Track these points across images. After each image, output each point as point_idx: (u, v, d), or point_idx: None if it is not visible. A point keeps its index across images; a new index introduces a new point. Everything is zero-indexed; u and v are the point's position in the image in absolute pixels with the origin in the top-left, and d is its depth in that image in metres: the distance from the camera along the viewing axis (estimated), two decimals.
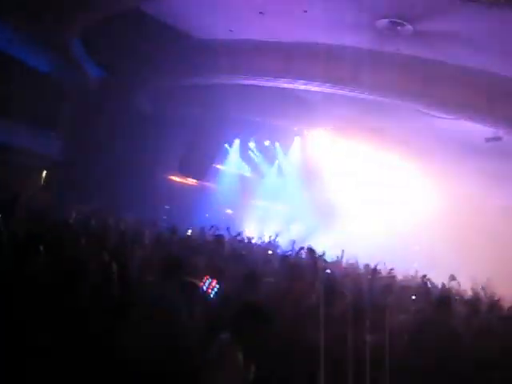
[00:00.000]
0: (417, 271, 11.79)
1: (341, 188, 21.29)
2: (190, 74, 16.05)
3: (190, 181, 20.76)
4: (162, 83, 17.54)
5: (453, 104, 13.25)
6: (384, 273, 11.23)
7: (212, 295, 5.38)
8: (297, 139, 21.88)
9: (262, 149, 22.72)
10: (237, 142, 22.32)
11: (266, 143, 22.34)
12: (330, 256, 12.19)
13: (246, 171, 23.36)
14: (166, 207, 19.64)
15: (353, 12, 11.16)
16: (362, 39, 12.33)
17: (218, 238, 8.43)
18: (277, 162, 23.08)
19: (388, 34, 11.65)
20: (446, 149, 16.75)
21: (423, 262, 13.56)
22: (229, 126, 19.51)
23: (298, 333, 5.58)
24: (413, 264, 13.33)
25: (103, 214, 11.74)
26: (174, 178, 20.79)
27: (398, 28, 11.32)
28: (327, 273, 8.67)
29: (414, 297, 8.74)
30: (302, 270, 7.67)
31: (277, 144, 22.37)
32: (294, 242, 12.78)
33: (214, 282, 5.35)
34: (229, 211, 22.38)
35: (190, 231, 13.52)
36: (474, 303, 8.45)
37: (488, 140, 14.61)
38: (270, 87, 15.66)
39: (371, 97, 14.19)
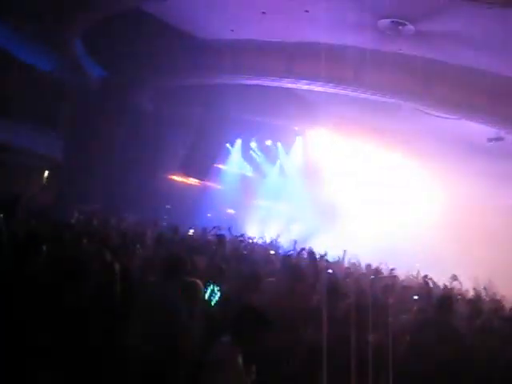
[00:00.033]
0: (419, 271, 11.77)
1: (342, 188, 21.27)
2: (191, 74, 16.05)
3: (192, 181, 20.76)
4: (164, 83, 17.54)
5: (454, 104, 13.24)
6: (385, 273, 11.22)
7: (213, 303, 5.37)
8: (298, 139, 21.87)
9: (263, 149, 22.71)
10: (238, 141, 22.31)
11: (268, 143, 22.33)
12: (332, 256, 12.19)
13: (248, 171, 23.34)
14: (168, 207, 19.63)
15: (354, 12, 11.15)
16: (363, 39, 12.32)
17: (220, 238, 8.43)
18: (278, 161, 23.08)
19: (390, 33, 11.65)
20: (447, 149, 16.74)
21: (425, 262, 13.51)
22: (230, 126, 19.50)
23: (299, 333, 5.58)
24: (415, 264, 13.29)
25: (105, 214, 11.75)
26: (175, 177, 20.79)
27: (400, 28, 11.31)
28: (329, 273, 8.66)
29: (415, 297, 8.74)
30: (304, 271, 7.67)
31: (278, 144, 22.37)
32: (295, 242, 12.78)
33: (216, 289, 5.33)
34: (230, 211, 22.37)
35: (191, 231, 13.52)
36: (475, 303, 8.45)
37: (490, 140, 14.60)
38: (272, 87, 15.66)
39: (373, 97, 14.19)
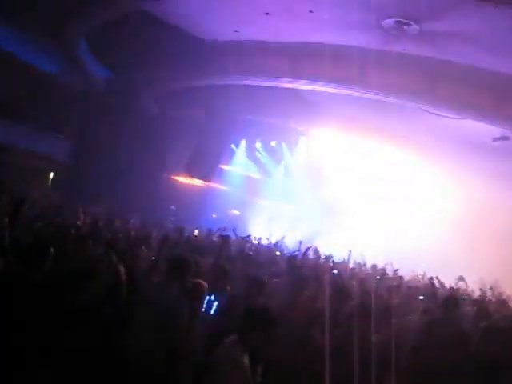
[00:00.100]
0: (425, 272, 11.75)
1: (347, 187, 21.28)
2: (196, 75, 16.07)
3: (197, 181, 20.79)
4: (168, 84, 17.57)
5: (459, 103, 13.20)
6: (391, 273, 11.20)
7: (212, 312, 5.37)
8: (303, 139, 21.87)
9: (268, 149, 22.72)
10: (243, 142, 22.33)
11: (273, 143, 22.34)
12: (337, 256, 12.18)
13: (253, 172, 23.36)
14: (173, 208, 19.67)
15: (359, 12, 11.12)
16: (368, 39, 12.29)
17: (224, 239, 8.41)
18: (283, 162, 23.08)
19: (394, 33, 11.61)
20: (455, 149, 16.72)
21: (432, 263, 13.49)
22: (235, 127, 19.53)
23: (305, 335, 5.58)
24: (421, 264, 13.27)
25: (110, 216, 11.77)
26: (180, 178, 20.82)
27: (405, 28, 11.28)
28: (334, 274, 8.65)
29: (421, 297, 8.72)
30: (309, 272, 7.67)
31: (283, 144, 22.37)
32: (300, 243, 12.77)
33: (213, 298, 5.34)
34: (235, 212, 22.39)
35: (196, 231, 13.53)
36: (481, 303, 8.42)
37: (495, 140, 14.55)
38: (276, 87, 15.66)
39: (377, 96, 14.17)
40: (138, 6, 12.47)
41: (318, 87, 14.86)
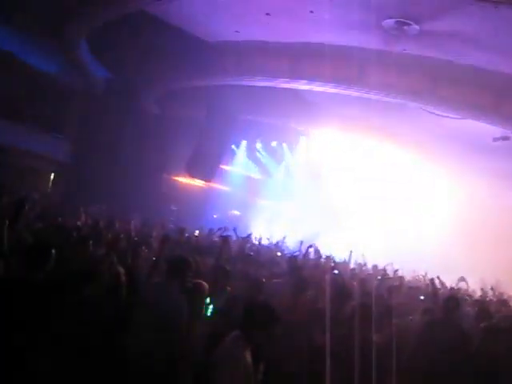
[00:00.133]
0: (426, 272, 11.75)
1: (348, 187, 21.28)
2: (196, 75, 16.08)
3: (197, 182, 20.79)
4: (169, 84, 17.58)
5: (460, 104, 13.21)
6: (391, 274, 11.19)
7: (208, 314, 5.37)
8: (303, 139, 21.87)
9: (268, 149, 22.73)
10: (244, 143, 22.35)
11: (273, 144, 22.35)
12: (338, 256, 12.16)
13: (253, 172, 23.37)
14: (173, 208, 19.67)
15: (359, 12, 11.11)
16: (368, 39, 12.29)
17: (224, 239, 8.41)
18: (284, 162, 23.09)
19: (394, 33, 11.61)
20: (456, 149, 16.72)
21: (433, 263, 13.49)
22: (235, 127, 19.53)
23: (306, 335, 5.58)
24: (422, 265, 13.26)
25: (111, 216, 11.77)
26: (181, 179, 20.83)
27: (405, 28, 11.28)
28: (335, 274, 8.64)
29: (422, 297, 8.72)
30: (310, 272, 7.67)
31: (284, 145, 22.37)
32: (301, 243, 12.75)
33: (209, 300, 5.34)
34: (236, 212, 22.39)
35: (197, 232, 13.53)
36: (482, 303, 8.42)
37: (496, 140, 14.54)
38: (276, 88, 15.66)
39: (378, 97, 14.16)
40: (138, 7, 12.47)
41: (319, 87, 14.86)
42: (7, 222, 5.00)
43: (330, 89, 14.64)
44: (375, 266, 12.40)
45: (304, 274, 7.11)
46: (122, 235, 8.04)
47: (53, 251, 4.26)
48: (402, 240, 18.48)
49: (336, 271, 9.03)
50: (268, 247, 13.28)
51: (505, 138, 14.34)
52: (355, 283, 7.42)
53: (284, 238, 14.46)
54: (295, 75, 14.58)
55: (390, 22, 11.24)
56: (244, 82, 15.85)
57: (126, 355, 4.77)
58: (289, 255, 10.70)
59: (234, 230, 12.51)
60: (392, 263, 12.19)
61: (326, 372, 4.06)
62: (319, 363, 4.12)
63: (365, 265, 12.47)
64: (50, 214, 10.28)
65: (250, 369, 3.75)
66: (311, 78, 14.44)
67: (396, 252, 15.02)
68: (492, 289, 11.19)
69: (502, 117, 12.97)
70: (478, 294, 11.08)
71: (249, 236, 11.25)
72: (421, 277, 12.10)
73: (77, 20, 13.19)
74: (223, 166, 21.32)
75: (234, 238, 12.01)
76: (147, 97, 18.28)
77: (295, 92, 16.33)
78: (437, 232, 19.18)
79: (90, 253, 6.99)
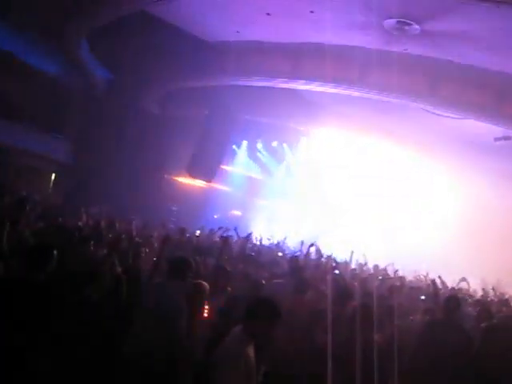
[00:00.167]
0: (428, 272, 11.74)
1: (348, 186, 21.27)
2: (197, 76, 16.08)
3: (198, 182, 20.78)
4: (170, 85, 17.58)
5: (461, 104, 13.20)
6: (391, 274, 11.18)
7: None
8: (303, 139, 21.85)
9: (269, 149, 22.72)
10: (244, 143, 22.34)
11: (274, 144, 22.34)
12: (339, 256, 12.14)
13: (254, 172, 23.36)
14: (174, 208, 19.67)
15: (360, 12, 11.13)
16: (369, 39, 12.29)
17: (225, 239, 8.40)
18: (284, 162, 23.08)
19: (396, 33, 11.61)
20: (458, 149, 16.71)
21: (434, 263, 13.48)
22: (236, 127, 19.52)
23: (307, 335, 5.58)
24: (423, 265, 13.25)
25: (112, 216, 11.77)
26: (181, 179, 20.82)
27: (406, 28, 11.28)
28: (336, 274, 8.63)
29: (423, 297, 8.71)
30: (311, 272, 7.66)
31: (284, 144, 22.37)
32: (302, 243, 12.74)
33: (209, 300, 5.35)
34: (237, 212, 22.40)
35: (198, 232, 13.52)
36: (484, 303, 8.41)
37: (497, 139, 14.53)
38: (277, 88, 15.66)
39: (378, 97, 14.16)
40: (138, 7, 12.48)
41: (319, 87, 14.85)
42: (8, 222, 5.00)
43: (330, 89, 14.62)
44: (376, 266, 12.39)
45: (305, 274, 7.09)
46: (123, 236, 8.04)
47: (54, 252, 4.26)
48: (404, 240, 18.49)
49: (337, 271, 9.02)
50: (269, 247, 13.27)
51: (506, 138, 14.32)
52: (356, 284, 7.42)
53: (285, 238, 14.44)
54: (295, 75, 14.58)
55: (390, 21, 11.24)
56: (244, 82, 15.85)
57: (127, 355, 4.77)
58: (290, 255, 10.69)
59: (235, 229, 12.50)
60: (393, 263, 12.19)
61: (328, 373, 4.06)
62: (320, 364, 4.11)
63: (365, 264, 12.46)
64: (51, 214, 10.27)
65: (252, 364, 3.75)
66: (311, 78, 14.43)
67: (397, 252, 15.02)
68: (493, 289, 11.18)
69: (504, 116, 12.96)
70: (479, 294, 11.07)
71: (249, 235, 11.22)
72: (422, 277, 12.08)
73: (77, 20, 13.19)
74: (224, 166, 21.31)
75: (235, 238, 12.01)
76: (147, 97, 18.28)
77: (295, 92, 16.32)
78: (438, 232, 19.18)
79: (91, 253, 7.00)
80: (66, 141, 17.82)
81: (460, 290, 10.50)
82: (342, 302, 5.94)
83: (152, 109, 19.08)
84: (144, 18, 12.90)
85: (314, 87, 14.96)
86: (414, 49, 12.48)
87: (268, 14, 12.27)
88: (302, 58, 14.28)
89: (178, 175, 20.68)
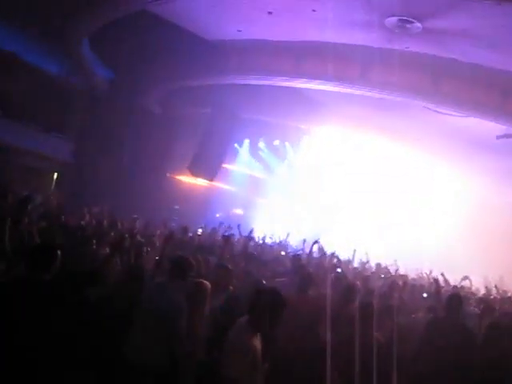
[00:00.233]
0: (431, 270, 11.75)
1: (351, 185, 21.28)
2: (198, 75, 16.07)
3: (200, 181, 20.79)
4: (171, 84, 17.58)
5: (464, 101, 13.18)
6: (393, 272, 11.19)
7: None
8: (306, 138, 21.85)
9: (271, 148, 22.72)
10: (246, 141, 22.33)
11: (276, 142, 22.33)
12: (342, 254, 12.14)
13: (256, 171, 23.36)
14: (176, 207, 19.68)
15: (362, 10, 11.12)
16: (371, 37, 12.28)
17: (227, 238, 8.41)
18: (286, 160, 23.08)
19: (397, 32, 11.59)
20: (458, 146, 16.69)
21: (436, 261, 13.47)
22: (238, 126, 19.51)
23: (311, 333, 5.58)
24: (425, 263, 13.25)
25: (114, 216, 11.79)
26: (183, 178, 20.83)
27: (408, 26, 11.26)
28: (338, 272, 8.64)
29: (425, 295, 8.72)
30: (314, 271, 7.66)
31: (286, 143, 22.36)
32: (304, 241, 12.75)
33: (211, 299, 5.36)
34: (239, 211, 22.40)
35: (200, 230, 13.53)
36: (487, 301, 8.40)
37: (499, 137, 14.51)
38: (279, 86, 15.65)
39: (381, 95, 14.14)
40: (140, 6, 12.48)
41: (321, 86, 14.83)
42: (10, 221, 5.01)
43: (332, 87, 14.62)
44: (378, 265, 12.40)
45: (308, 272, 7.08)
46: (126, 235, 8.05)
47: (58, 252, 4.26)
48: (406, 238, 18.50)
49: (339, 270, 9.02)
50: (271, 246, 13.27)
51: (508, 136, 14.30)
52: (358, 282, 7.42)
53: (287, 236, 14.44)
54: (297, 74, 14.57)
55: (392, 20, 11.22)
56: (245, 81, 15.84)
57: (127, 355, 4.78)
58: (292, 254, 10.69)
59: (239, 226, 12.52)
60: (396, 260, 12.21)
61: (332, 371, 4.07)
62: (324, 362, 4.12)
63: (367, 262, 12.48)
64: (53, 213, 10.28)
65: (258, 355, 3.77)
66: (314, 77, 14.42)
67: (399, 250, 15.03)
68: (496, 287, 11.17)
69: (507, 114, 12.94)
70: (482, 292, 11.07)
71: (251, 232, 11.23)
72: (425, 275, 12.09)
73: (78, 19, 13.20)
74: (226, 165, 21.31)
75: (238, 236, 12.02)
76: (149, 96, 18.28)
77: (297, 90, 16.31)
78: (440, 231, 19.20)
79: (93, 252, 7.02)
80: (67, 140, 17.83)
81: (462, 288, 10.49)
82: (345, 300, 5.95)
83: (154, 108, 19.08)
84: (145, 17, 12.90)
85: (316, 86, 14.94)
86: (416, 47, 12.46)
87: (270, 12, 12.26)
88: (303, 57, 14.27)
89: (179, 174, 20.68)
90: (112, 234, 8.76)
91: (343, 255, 12.16)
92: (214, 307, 5.30)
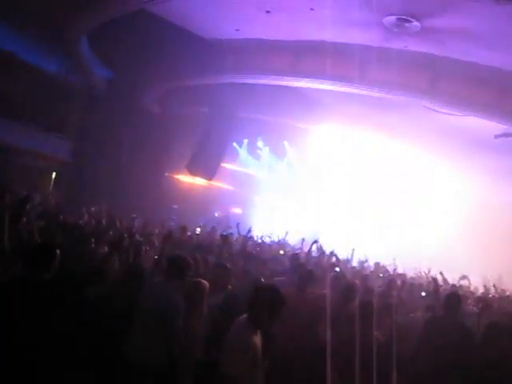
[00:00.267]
0: (429, 269, 11.77)
1: (350, 184, 21.28)
2: (197, 74, 16.06)
3: (199, 180, 20.79)
4: (169, 83, 17.57)
5: (462, 101, 13.18)
6: (392, 271, 11.20)
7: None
8: (305, 136, 21.83)
9: (270, 147, 22.72)
10: (245, 140, 22.33)
11: (275, 141, 22.32)
12: (340, 253, 12.15)
13: (255, 170, 23.35)
14: (175, 207, 19.68)
15: (360, 9, 11.11)
16: (369, 36, 12.28)
17: (225, 237, 8.41)
18: (285, 160, 23.08)
19: (396, 31, 11.60)
20: (458, 145, 16.70)
21: (434, 260, 13.49)
22: (237, 125, 19.51)
23: (310, 332, 5.58)
24: (424, 261, 13.27)
25: (113, 215, 11.79)
26: (182, 177, 20.83)
27: (406, 25, 11.27)
28: (337, 271, 8.64)
29: (423, 293, 8.72)
30: (313, 270, 7.66)
31: (285, 142, 22.36)
32: (303, 240, 12.76)
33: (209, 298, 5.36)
34: (238, 210, 22.40)
35: (198, 229, 13.54)
36: (485, 300, 8.41)
37: (497, 136, 14.52)
38: (277, 86, 15.64)
39: (379, 94, 14.14)
40: (138, 5, 12.46)
41: (320, 85, 14.83)
42: (8, 221, 5.00)
43: (330, 86, 14.61)
44: (377, 264, 12.40)
45: (309, 270, 7.08)
46: (126, 235, 8.05)
47: (58, 251, 4.25)
48: (406, 238, 18.51)
49: (337, 269, 9.03)
50: (270, 245, 13.28)
51: (507, 135, 14.31)
52: (357, 281, 7.42)
53: (286, 234, 14.44)
54: (296, 73, 14.56)
55: (391, 19, 11.22)
56: (244, 80, 15.83)
57: (127, 355, 4.77)
58: (291, 253, 10.70)
59: (238, 225, 12.53)
60: (395, 259, 12.21)
61: (331, 370, 4.07)
62: (324, 361, 4.12)
63: (366, 261, 12.49)
64: (52, 213, 10.28)
65: (258, 353, 3.77)
66: (312, 76, 14.40)
67: (398, 249, 15.02)
68: (494, 286, 11.19)
69: (504, 113, 12.94)
70: (480, 291, 11.08)
71: (250, 231, 11.23)
72: (423, 273, 12.10)
73: (78, 19, 13.18)
74: (225, 164, 21.31)
75: (236, 235, 12.03)
76: (147, 95, 18.27)
77: (296, 89, 16.30)
78: (439, 230, 19.21)
79: (92, 251, 7.01)
80: (66, 139, 17.83)
81: (461, 287, 10.50)
82: (345, 300, 5.95)
83: (152, 107, 19.07)
84: (144, 16, 12.89)
85: (314, 85, 14.94)
86: (415, 46, 12.45)
87: (268, 11, 12.25)
88: (301, 56, 14.26)
89: (178, 173, 20.69)
90: (111, 233, 8.76)
91: (342, 254, 12.18)
92: (212, 306, 5.30)
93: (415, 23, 11.18)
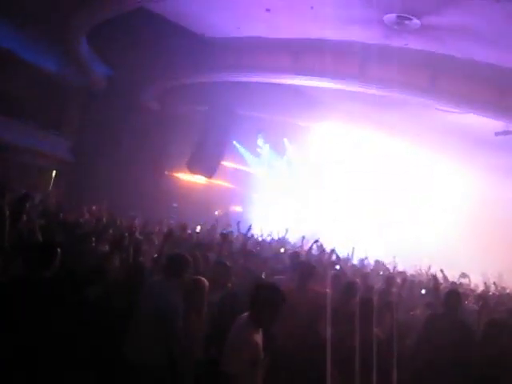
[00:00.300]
0: (430, 266, 11.77)
1: (349, 182, 21.30)
2: (196, 72, 16.05)
3: (199, 178, 20.77)
4: (169, 81, 17.55)
5: (462, 98, 13.16)
6: (392, 269, 11.20)
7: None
8: (305, 134, 21.84)
9: (270, 145, 22.72)
10: (245, 138, 22.31)
11: (275, 139, 22.31)
12: (340, 251, 12.15)
13: (255, 168, 23.35)
14: (175, 205, 19.67)
15: (360, 7, 11.10)
16: (369, 34, 12.27)
17: (225, 235, 8.40)
18: (285, 157, 23.08)
19: (396, 28, 11.59)
20: (458, 143, 16.70)
21: (434, 257, 13.50)
22: (236, 123, 19.49)
23: (310, 330, 5.59)
24: (424, 259, 13.28)
25: (113, 213, 11.79)
26: (182, 175, 20.82)
27: (406, 22, 11.25)
28: (337, 269, 8.64)
29: (423, 291, 8.72)
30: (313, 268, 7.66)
31: (285, 140, 22.36)
32: (303, 238, 12.76)
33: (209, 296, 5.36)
34: (238, 208, 22.39)
35: (198, 228, 13.53)
36: (485, 298, 8.42)
37: (498, 134, 14.51)
38: (278, 84, 15.64)
39: (379, 92, 14.13)
40: (137, 4, 12.45)
41: (320, 83, 14.82)
42: (8, 219, 5.00)
43: (330, 84, 14.60)
44: (377, 262, 12.41)
45: (311, 265, 7.06)
46: (126, 233, 8.05)
47: (58, 250, 4.25)
48: (406, 235, 18.52)
49: (338, 267, 9.02)
50: (270, 243, 13.28)
51: (507, 133, 14.30)
52: (358, 279, 7.42)
53: (286, 231, 14.43)
54: (295, 71, 14.54)
55: (391, 16, 11.21)
56: (244, 78, 15.82)
57: (126, 354, 4.77)
58: (291, 251, 10.69)
59: (238, 223, 12.52)
60: (395, 257, 12.21)
61: (332, 367, 4.08)
62: (324, 358, 4.12)
63: (366, 259, 12.50)
64: (52, 211, 10.27)
65: (258, 351, 3.78)
66: (312, 74, 14.39)
67: (398, 247, 15.04)
68: (494, 283, 11.20)
69: (505, 111, 12.93)
70: (480, 289, 11.09)
71: (249, 229, 11.22)
72: (423, 271, 12.11)
73: (77, 17, 13.16)
74: (224, 162, 21.30)
75: (237, 233, 12.02)
76: (147, 93, 18.26)
77: (296, 87, 16.30)
78: (440, 227, 19.22)
79: (92, 250, 7.01)
80: (66, 138, 17.82)
81: (461, 284, 10.50)
82: (346, 298, 5.95)
83: (152, 105, 19.06)
84: (143, 14, 12.88)
85: (315, 83, 14.93)
86: (415, 43, 12.44)
87: (268, 9, 12.24)
88: (302, 54, 14.24)
89: (178, 172, 20.67)
90: (111, 231, 8.75)
91: (342, 252, 12.18)
92: (212, 304, 5.29)
93: (415, 21, 11.16)
